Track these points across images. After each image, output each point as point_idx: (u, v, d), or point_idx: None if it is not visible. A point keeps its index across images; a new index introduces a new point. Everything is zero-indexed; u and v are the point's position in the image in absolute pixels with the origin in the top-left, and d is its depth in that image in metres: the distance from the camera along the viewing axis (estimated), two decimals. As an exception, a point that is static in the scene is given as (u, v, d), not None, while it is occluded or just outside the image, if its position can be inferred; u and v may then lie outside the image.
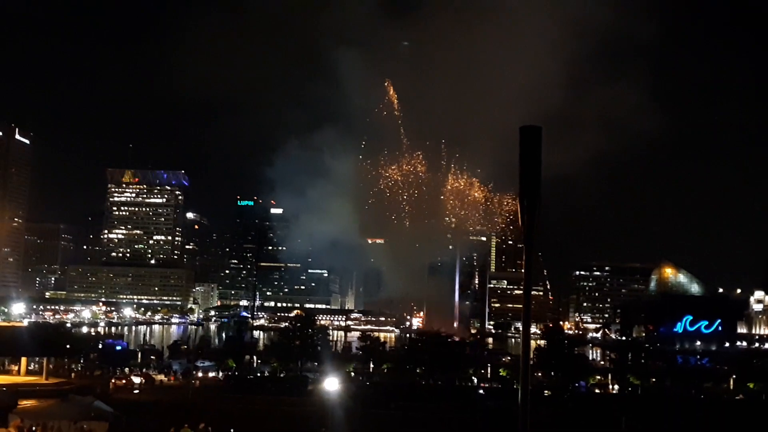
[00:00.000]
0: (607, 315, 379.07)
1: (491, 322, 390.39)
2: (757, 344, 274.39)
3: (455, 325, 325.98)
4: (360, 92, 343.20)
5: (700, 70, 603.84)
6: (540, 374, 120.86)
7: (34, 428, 52.50)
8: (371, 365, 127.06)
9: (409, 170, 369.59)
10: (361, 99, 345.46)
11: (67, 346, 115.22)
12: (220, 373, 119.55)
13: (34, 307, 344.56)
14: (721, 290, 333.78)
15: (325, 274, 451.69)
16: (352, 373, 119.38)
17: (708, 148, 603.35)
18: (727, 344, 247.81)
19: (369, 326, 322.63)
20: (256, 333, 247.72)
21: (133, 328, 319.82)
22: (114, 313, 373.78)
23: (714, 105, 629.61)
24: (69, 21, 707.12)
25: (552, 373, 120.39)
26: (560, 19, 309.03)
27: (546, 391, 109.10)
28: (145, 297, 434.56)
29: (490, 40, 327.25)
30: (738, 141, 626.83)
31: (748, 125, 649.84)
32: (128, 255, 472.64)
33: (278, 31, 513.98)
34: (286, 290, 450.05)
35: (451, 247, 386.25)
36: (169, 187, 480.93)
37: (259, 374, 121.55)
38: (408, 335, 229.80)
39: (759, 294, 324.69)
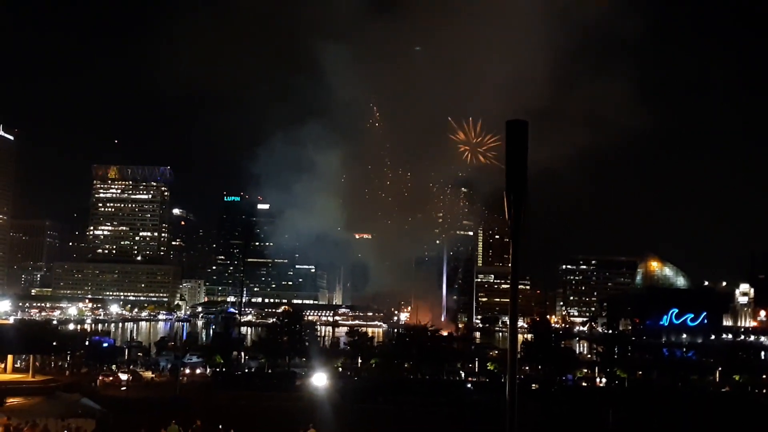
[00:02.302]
0: (593, 308, 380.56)
1: (479, 317, 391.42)
2: (742, 336, 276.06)
3: (443, 319, 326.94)
4: (345, 87, 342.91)
5: (686, 65, 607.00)
6: (527, 368, 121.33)
7: (21, 426, 52.22)
8: (359, 360, 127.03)
9: (394, 178, 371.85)
10: (346, 94, 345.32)
11: (54, 344, 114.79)
12: (208, 369, 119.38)
13: (20, 304, 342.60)
14: (706, 283, 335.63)
15: (313, 270, 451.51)
16: (340, 369, 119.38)
17: (694, 142, 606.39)
18: (713, 337, 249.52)
19: (357, 321, 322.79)
20: (243, 329, 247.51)
21: (120, 324, 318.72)
22: (100, 309, 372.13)
23: (700, 100, 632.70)
24: (53, 16, 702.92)
25: (539, 366, 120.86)
26: (546, 14, 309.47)
27: (533, 385, 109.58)
28: (132, 293, 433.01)
29: (476, 34, 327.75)
30: (724, 136, 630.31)
31: (733, 120, 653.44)
32: (114, 251, 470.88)
33: (263, 26, 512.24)
34: (274, 286, 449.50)
35: (438, 241, 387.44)
36: (154, 183, 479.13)
37: (246, 370, 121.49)
38: (396, 330, 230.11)
39: (744, 287, 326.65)
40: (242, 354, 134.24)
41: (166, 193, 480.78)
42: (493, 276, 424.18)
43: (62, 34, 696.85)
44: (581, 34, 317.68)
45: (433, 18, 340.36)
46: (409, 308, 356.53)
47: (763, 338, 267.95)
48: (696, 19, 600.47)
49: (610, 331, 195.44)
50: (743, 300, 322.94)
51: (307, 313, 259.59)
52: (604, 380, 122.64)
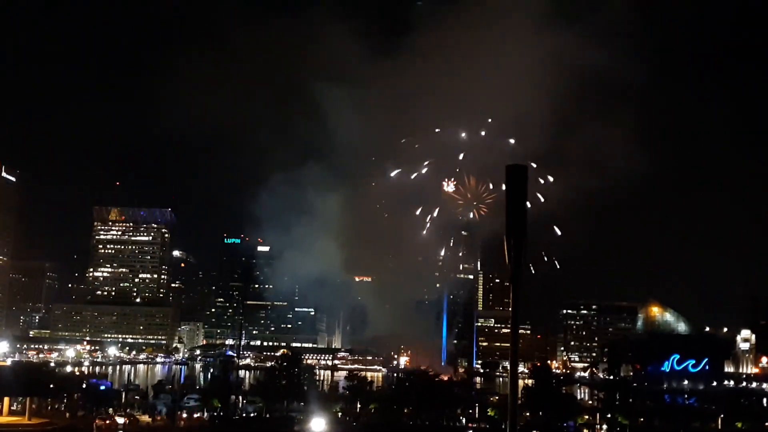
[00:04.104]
0: (594, 354, 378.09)
1: (479, 361, 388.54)
2: (744, 383, 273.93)
3: (443, 363, 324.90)
4: (346, 130, 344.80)
5: (687, 110, 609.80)
6: (528, 414, 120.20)
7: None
8: (358, 405, 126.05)
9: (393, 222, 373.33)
10: (347, 137, 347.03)
11: (51, 386, 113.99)
12: (206, 413, 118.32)
13: (18, 345, 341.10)
14: (707, 329, 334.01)
15: (312, 313, 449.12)
16: (339, 413, 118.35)
17: (694, 187, 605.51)
18: (715, 383, 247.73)
19: (356, 365, 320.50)
20: (241, 372, 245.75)
21: (118, 367, 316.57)
22: (98, 352, 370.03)
23: (701, 145, 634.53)
24: (56, 58, 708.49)
25: (540, 412, 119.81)
26: (547, 59, 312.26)
27: (534, 431, 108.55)
28: (130, 336, 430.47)
29: (476, 79, 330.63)
30: (724, 181, 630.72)
31: (734, 165, 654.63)
32: (113, 293, 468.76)
33: (264, 68, 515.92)
34: (273, 329, 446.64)
35: (438, 285, 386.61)
36: (155, 225, 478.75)
37: (244, 414, 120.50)
38: (395, 374, 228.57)
39: (745, 333, 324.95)
40: (240, 398, 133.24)
41: (166, 235, 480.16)
42: (493, 320, 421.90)
43: (64, 76, 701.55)
44: (582, 79, 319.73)
45: (433, 63, 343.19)
46: (409, 352, 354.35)
47: (765, 385, 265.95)
48: (698, 63, 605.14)
49: (611, 377, 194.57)
50: (745, 346, 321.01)
51: (306, 357, 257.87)
52: (605, 427, 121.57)
